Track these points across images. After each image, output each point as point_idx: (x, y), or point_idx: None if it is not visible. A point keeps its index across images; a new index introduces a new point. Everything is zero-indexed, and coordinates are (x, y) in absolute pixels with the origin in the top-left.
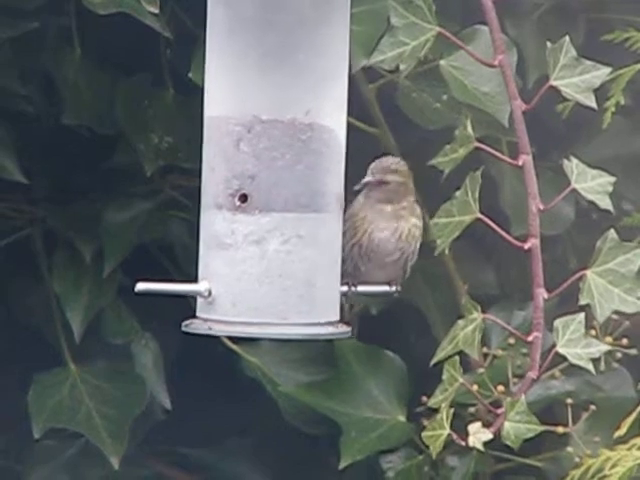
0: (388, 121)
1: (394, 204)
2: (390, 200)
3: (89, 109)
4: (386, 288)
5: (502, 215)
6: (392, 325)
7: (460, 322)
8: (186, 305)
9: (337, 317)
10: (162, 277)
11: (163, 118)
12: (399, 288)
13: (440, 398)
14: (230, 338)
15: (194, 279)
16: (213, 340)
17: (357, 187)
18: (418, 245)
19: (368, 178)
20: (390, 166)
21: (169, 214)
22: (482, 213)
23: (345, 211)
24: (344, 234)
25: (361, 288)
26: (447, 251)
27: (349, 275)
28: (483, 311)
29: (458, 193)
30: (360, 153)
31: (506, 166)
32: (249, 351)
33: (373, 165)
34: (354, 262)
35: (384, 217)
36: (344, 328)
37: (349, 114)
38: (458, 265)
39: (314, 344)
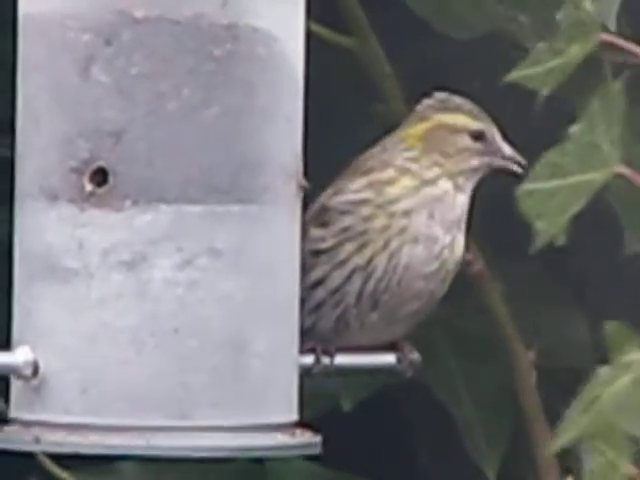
0: (380, 27)
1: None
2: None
3: None
4: (390, 359)
5: None
6: (385, 432)
7: (604, 372)
8: None
9: (294, 415)
10: None
11: None
12: (417, 357)
13: None
14: (64, 459)
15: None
16: (26, 462)
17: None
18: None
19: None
20: None
21: None
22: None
23: (309, 201)
24: (325, 252)
25: (344, 359)
26: (563, 240)
27: (316, 333)
28: None
29: (575, 129)
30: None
31: None
32: None
33: None
34: (343, 309)
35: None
36: (308, 437)
37: (312, 16)
38: (515, 312)
39: (232, 470)
